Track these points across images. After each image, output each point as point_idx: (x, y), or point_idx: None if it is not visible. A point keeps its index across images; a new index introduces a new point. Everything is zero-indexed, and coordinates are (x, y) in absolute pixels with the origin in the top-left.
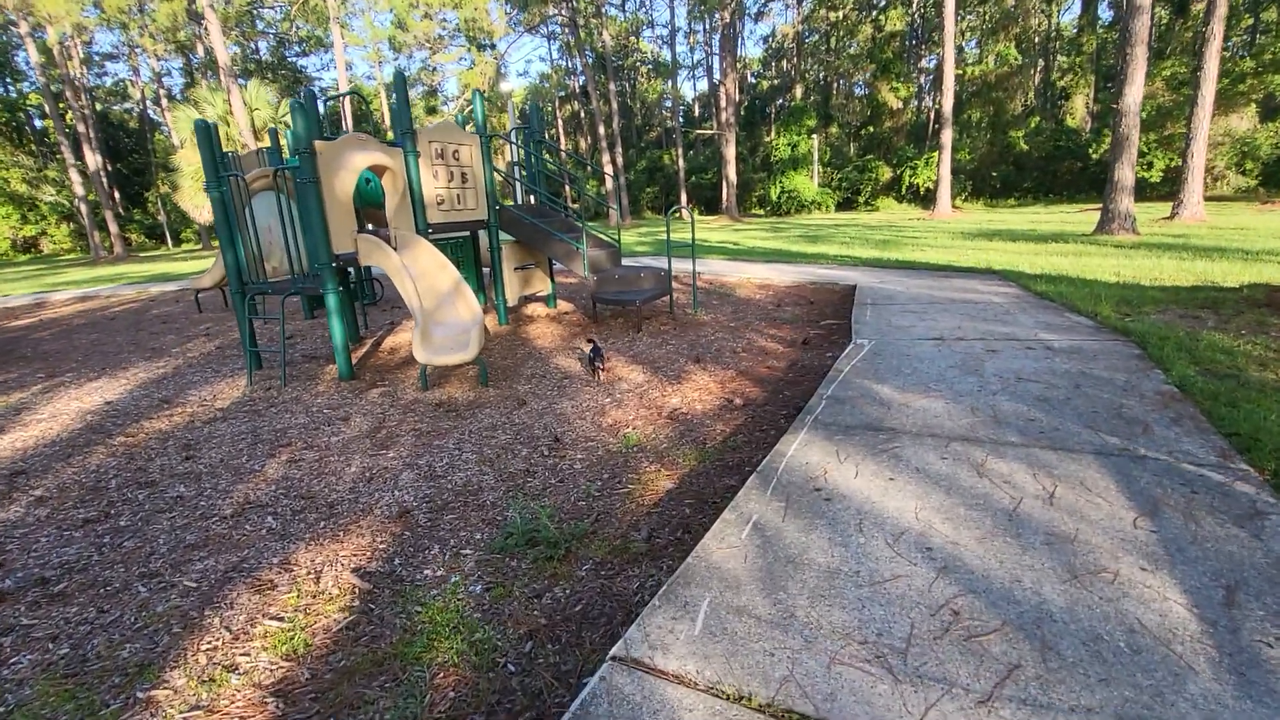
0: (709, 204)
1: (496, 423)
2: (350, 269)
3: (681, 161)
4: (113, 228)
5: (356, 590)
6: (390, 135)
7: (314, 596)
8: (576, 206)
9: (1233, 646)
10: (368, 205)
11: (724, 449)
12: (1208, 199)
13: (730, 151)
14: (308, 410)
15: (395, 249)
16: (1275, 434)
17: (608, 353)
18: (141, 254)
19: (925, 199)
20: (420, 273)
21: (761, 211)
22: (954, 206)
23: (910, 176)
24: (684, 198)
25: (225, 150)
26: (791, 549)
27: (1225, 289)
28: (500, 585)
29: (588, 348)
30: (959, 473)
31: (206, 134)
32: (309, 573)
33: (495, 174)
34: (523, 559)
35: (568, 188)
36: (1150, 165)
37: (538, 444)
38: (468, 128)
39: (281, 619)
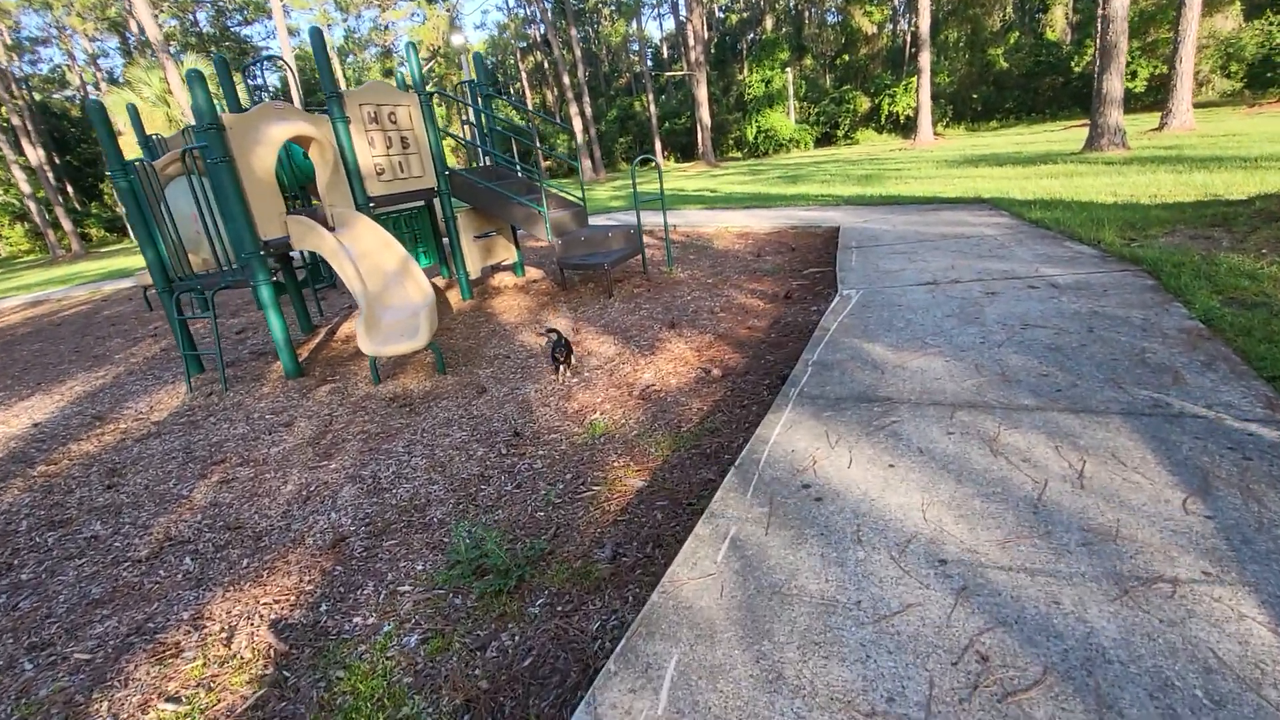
0: (685, 150)
1: (453, 416)
2: (296, 253)
3: (653, 108)
4: (66, 224)
5: (272, 653)
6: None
7: (222, 664)
8: (549, 164)
9: None
10: (312, 181)
11: (701, 432)
12: (1194, 106)
13: (702, 92)
14: (249, 417)
15: (332, 228)
16: None
17: (576, 325)
18: (102, 249)
19: (905, 128)
20: (362, 253)
21: (739, 154)
22: (935, 133)
23: (889, 105)
24: (658, 145)
25: (150, 134)
26: (777, 573)
27: (1234, 203)
28: (438, 634)
29: (552, 335)
30: (969, 452)
31: (102, 115)
32: (222, 629)
33: (448, 136)
34: (468, 595)
35: (537, 146)
36: (1134, 75)
37: (495, 441)
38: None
39: (180, 700)
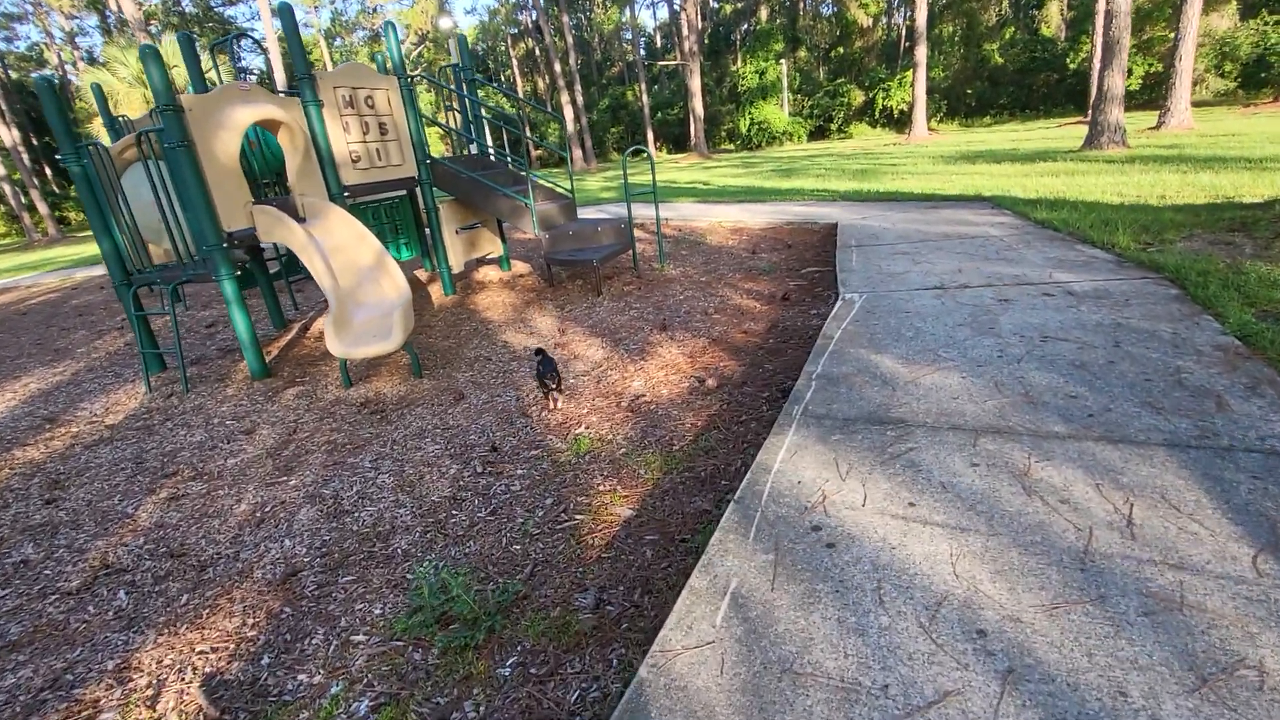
0: (677, 141)
1: (426, 426)
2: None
3: (645, 97)
4: (42, 208)
5: (201, 718)
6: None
7: None
8: (539, 153)
9: None
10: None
11: (694, 452)
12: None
13: (696, 83)
14: (208, 423)
15: (303, 219)
16: None
17: (562, 325)
18: (80, 234)
19: (899, 122)
20: (334, 246)
21: (732, 146)
22: (929, 128)
23: (883, 99)
24: (650, 136)
25: (118, 115)
26: (787, 644)
27: (1252, 206)
28: (393, 701)
29: (537, 356)
30: (998, 488)
31: (51, 94)
32: (148, 684)
33: (431, 124)
34: (429, 649)
35: (527, 135)
36: (1129, 72)
37: (471, 456)
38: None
39: None
